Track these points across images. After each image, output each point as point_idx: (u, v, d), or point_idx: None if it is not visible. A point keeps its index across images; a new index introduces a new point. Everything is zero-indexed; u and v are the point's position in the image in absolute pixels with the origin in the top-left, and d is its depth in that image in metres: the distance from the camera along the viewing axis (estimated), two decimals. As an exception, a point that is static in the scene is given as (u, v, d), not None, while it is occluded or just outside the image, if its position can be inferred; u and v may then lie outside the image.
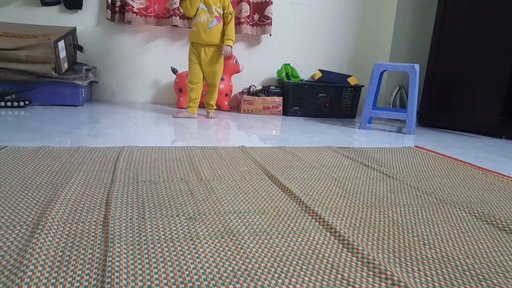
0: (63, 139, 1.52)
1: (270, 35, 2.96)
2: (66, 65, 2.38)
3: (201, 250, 0.68)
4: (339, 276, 0.63)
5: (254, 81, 3.07)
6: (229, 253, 0.67)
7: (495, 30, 2.36)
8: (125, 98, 2.92)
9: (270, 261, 0.66)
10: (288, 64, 3.06)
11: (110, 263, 0.60)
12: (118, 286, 0.54)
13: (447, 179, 1.30)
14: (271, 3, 2.89)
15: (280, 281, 0.60)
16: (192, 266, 0.62)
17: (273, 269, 0.63)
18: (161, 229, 0.75)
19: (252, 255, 0.67)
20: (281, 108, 2.83)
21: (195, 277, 0.59)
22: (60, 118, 1.99)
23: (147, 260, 0.63)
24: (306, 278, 0.61)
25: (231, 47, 2.29)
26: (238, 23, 2.88)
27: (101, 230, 0.73)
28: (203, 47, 2.26)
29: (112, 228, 0.72)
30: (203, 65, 2.28)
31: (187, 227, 0.77)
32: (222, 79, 2.74)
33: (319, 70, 2.92)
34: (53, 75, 2.28)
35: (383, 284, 0.61)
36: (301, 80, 2.98)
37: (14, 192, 0.91)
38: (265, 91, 2.87)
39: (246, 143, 1.68)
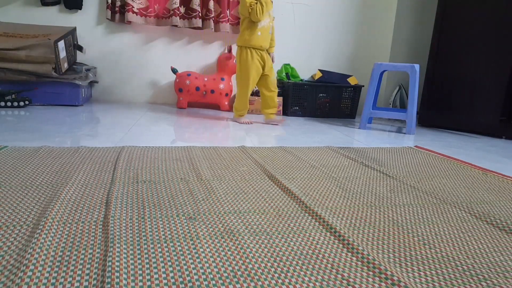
0: (63, 139, 1.52)
1: (270, 35, 2.95)
2: (66, 65, 2.38)
3: (201, 250, 0.68)
4: (339, 276, 0.63)
5: (254, 81, 3.07)
6: (229, 253, 0.67)
7: (495, 30, 2.36)
8: (125, 98, 2.93)
9: (270, 261, 0.66)
10: (288, 64, 3.06)
11: (110, 263, 0.60)
12: (118, 286, 0.54)
13: (447, 179, 1.30)
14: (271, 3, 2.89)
15: (280, 281, 0.60)
16: (192, 266, 0.62)
17: (273, 269, 0.63)
18: (161, 229, 0.75)
19: (252, 255, 0.67)
20: (281, 108, 2.82)
21: (195, 277, 0.59)
22: (60, 118, 1.99)
23: (147, 260, 0.63)
24: (306, 278, 0.61)
25: None
26: (238, 23, 2.88)
27: (101, 230, 0.73)
28: (262, 52, 2.20)
29: (112, 228, 0.72)
30: (264, 70, 2.24)
31: (187, 227, 0.77)
32: (222, 79, 2.75)
33: (319, 70, 2.92)
34: (53, 75, 2.28)
35: (383, 284, 0.61)
36: (301, 80, 2.99)
37: (14, 192, 0.91)
38: (265, 91, 2.87)
39: (246, 143, 1.68)
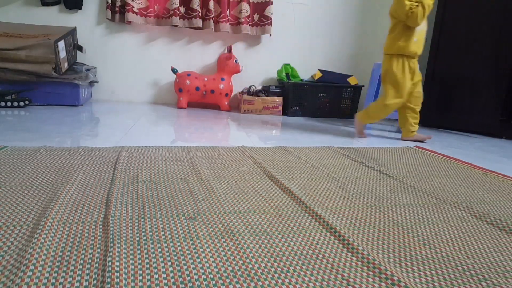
0: (63, 139, 1.52)
1: (270, 35, 2.96)
2: (66, 65, 2.38)
3: (201, 250, 0.68)
4: (339, 276, 0.63)
5: (254, 81, 3.07)
6: (229, 253, 0.67)
7: (495, 30, 2.36)
8: (125, 98, 2.92)
9: (270, 261, 0.66)
10: (288, 64, 3.06)
11: (110, 263, 0.60)
12: (118, 286, 0.54)
13: (447, 179, 1.30)
14: (271, 3, 2.89)
15: (280, 281, 0.60)
16: (192, 266, 0.62)
17: (273, 269, 0.63)
18: (161, 229, 0.75)
19: (252, 255, 0.67)
20: (281, 108, 2.83)
21: (195, 277, 0.59)
22: (60, 118, 1.99)
23: (147, 260, 0.63)
24: (306, 278, 0.61)
25: None
26: (238, 23, 2.88)
27: (101, 230, 0.73)
28: (414, 60, 1.96)
29: (112, 228, 0.72)
30: (412, 80, 1.99)
31: (187, 227, 0.77)
32: (222, 79, 2.75)
33: (319, 70, 2.92)
34: (53, 75, 2.28)
35: (383, 284, 0.61)
36: (301, 80, 2.98)
37: (14, 192, 0.91)
38: (265, 91, 2.87)
39: (246, 143, 1.68)
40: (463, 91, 2.53)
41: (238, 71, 2.81)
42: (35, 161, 1.16)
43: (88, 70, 2.55)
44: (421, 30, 1.91)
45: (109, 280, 0.55)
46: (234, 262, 0.64)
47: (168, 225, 0.77)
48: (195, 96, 2.74)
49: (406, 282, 0.61)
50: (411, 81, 1.97)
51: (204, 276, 0.59)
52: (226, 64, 2.76)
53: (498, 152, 1.92)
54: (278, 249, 0.70)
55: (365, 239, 0.77)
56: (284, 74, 2.99)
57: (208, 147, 1.53)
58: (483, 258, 0.73)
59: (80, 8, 2.70)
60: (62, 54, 2.33)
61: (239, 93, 2.97)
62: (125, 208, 0.84)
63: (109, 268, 0.58)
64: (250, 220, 0.83)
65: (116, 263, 0.60)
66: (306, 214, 0.89)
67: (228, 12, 2.83)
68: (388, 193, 1.10)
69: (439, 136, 2.34)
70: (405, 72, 1.93)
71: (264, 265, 0.64)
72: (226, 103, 2.81)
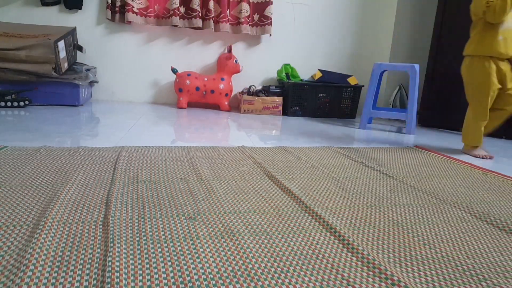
0: (63, 139, 1.52)
1: (270, 35, 2.96)
2: (66, 65, 2.38)
3: (201, 250, 0.68)
4: (339, 276, 0.63)
5: (254, 81, 3.07)
6: (229, 253, 0.67)
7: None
8: (125, 98, 2.92)
9: (270, 261, 0.66)
10: (288, 64, 3.06)
11: (110, 263, 0.60)
12: (118, 286, 0.54)
13: (447, 179, 1.30)
14: (271, 3, 2.89)
15: (280, 281, 0.60)
16: (192, 266, 0.62)
17: (273, 269, 0.63)
18: (161, 229, 0.75)
19: (252, 255, 0.67)
20: (281, 108, 2.83)
21: (195, 277, 0.59)
22: (60, 118, 1.99)
23: (147, 260, 0.63)
24: (306, 278, 0.61)
25: None
26: (238, 23, 2.88)
27: (101, 230, 0.73)
28: (502, 62, 1.68)
29: (112, 228, 0.72)
30: (504, 84, 1.70)
31: (187, 227, 0.77)
32: (222, 79, 2.75)
33: (319, 70, 2.92)
34: (53, 75, 2.28)
35: (383, 284, 0.61)
36: (301, 80, 2.98)
37: (14, 192, 0.91)
38: (265, 91, 2.87)
39: (246, 143, 1.68)
40: (463, 91, 2.53)
41: (238, 71, 2.81)
42: (35, 161, 1.16)
43: (88, 70, 2.55)
44: (509, 27, 1.65)
45: (109, 280, 0.55)
46: (234, 262, 0.64)
47: (168, 225, 0.77)
48: (195, 96, 2.74)
49: (406, 282, 0.61)
50: (498, 86, 1.69)
51: (204, 276, 0.59)
52: (226, 64, 2.76)
53: (498, 152, 1.92)
54: (278, 249, 0.70)
55: (365, 239, 0.77)
56: (284, 74, 2.99)
57: (208, 147, 1.53)
58: (483, 258, 0.73)
59: (80, 8, 2.70)
60: (62, 54, 2.33)
61: (239, 93, 2.97)
62: (125, 208, 0.84)
63: (109, 268, 0.58)
64: (250, 220, 0.83)
65: (116, 263, 0.60)
66: (306, 214, 0.89)
67: (228, 12, 2.83)
68: (388, 193, 1.10)
69: (439, 136, 2.34)
70: (490, 76, 1.67)
71: (264, 265, 0.64)
72: (226, 103, 2.81)
